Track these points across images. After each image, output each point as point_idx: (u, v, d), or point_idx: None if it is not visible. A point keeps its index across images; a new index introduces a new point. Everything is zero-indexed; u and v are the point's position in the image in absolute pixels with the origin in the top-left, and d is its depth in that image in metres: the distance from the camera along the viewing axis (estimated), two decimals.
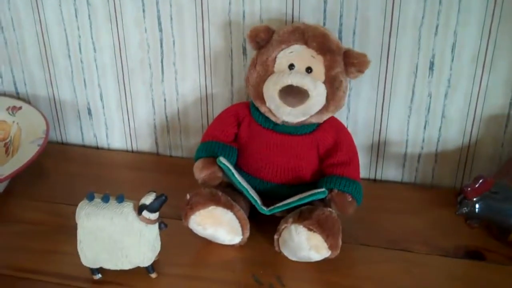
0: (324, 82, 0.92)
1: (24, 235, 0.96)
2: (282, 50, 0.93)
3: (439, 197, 1.05)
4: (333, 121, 0.97)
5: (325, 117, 0.94)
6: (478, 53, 0.98)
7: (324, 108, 0.92)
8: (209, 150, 0.97)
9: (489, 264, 0.90)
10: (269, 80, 0.92)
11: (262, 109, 0.94)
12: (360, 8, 0.99)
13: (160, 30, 1.09)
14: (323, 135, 0.95)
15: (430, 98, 1.03)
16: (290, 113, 0.91)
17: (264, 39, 0.95)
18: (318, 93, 0.90)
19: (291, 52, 0.93)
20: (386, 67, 1.02)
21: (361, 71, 0.94)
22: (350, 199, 0.92)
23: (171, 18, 1.07)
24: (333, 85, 0.92)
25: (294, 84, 0.89)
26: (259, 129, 0.96)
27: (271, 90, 0.91)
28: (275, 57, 0.93)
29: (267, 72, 0.93)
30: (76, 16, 1.12)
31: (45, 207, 1.03)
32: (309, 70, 0.92)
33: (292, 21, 1.03)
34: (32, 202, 1.04)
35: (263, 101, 0.93)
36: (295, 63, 0.92)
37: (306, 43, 0.92)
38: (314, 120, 0.94)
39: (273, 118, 0.94)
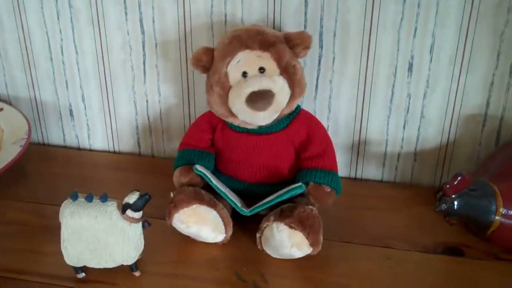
0: (280, 74, 0.92)
1: (6, 236, 0.95)
2: (228, 63, 0.93)
3: (419, 195, 1.07)
4: (304, 115, 0.98)
5: (294, 103, 0.95)
6: (455, 54, 1.00)
7: (291, 97, 0.93)
8: (186, 158, 0.98)
9: (468, 260, 0.91)
10: (230, 95, 0.92)
11: (236, 122, 0.95)
12: (340, 11, 1.01)
13: (143, 32, 1.10)
14: (297, 130, 0.96)
15: (409, 98, 1.05)
16: (264, 117, 0.91)
17: (208, 60, 0.95)
18: (280, 87, 0.91)
19: (238, 61, 0.93)
20: (366, 68, 1.04)
21: (307, 47, 0.94)
22: (329, 190, 0.93)
23: (153, 21, 1.08)
24: (289, 73, 0.92)
25: (256, 89, 0.89)
26: (232, 134, 0.97)
27: (237, 104, 0.91)
28: (226, 72, 0.93)
29: (225, 89, 0.93)
30: (58, 19, 1.12)
31: (27, 208, 1.02)
32: (262, 70, 0.92)
33: (273, 24, 1.04)
34: (14, 202, 1.04)
35: (234, 116, 0.93)
36: (247, 69, 0.92)
37: (247, 47, 0.92)
38: (287, 111, 0.94)
39: (250, 127, 0.95)
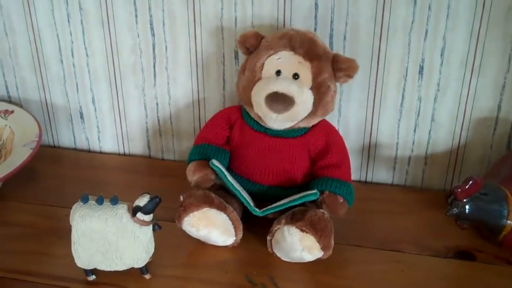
0: (311, 88, 0.92)
1: (16, 238, 0.96)
2: (269, 56, 0.94)
3: (429, 198, 1.06)
4: (324, 124, 0.98)
5: (313, 121, 0.95)
6: (466, 57, 1.00)
7: (312, 113, 0.93)
8: (201, 153, 0.98)
9: (479, 264, 0.91)
10: (256, 86, 0.93)
11: (252, 114, 0.95)
12: (351, 14, 1.00)
13: (153, 35, 1.10)
14: (314, 137, 0.96)
15: (420, 101, 1.05)
16: (276, 120, 0.91)
17: (253, 45, 0.96)
18: (303, 100, 0.91)
19: (279, 58, 0.93)
20: (376, 71, 1.04)
21: (349, 76, 0.95)
22: (342, 201, 0.93)
23: (163, 23, 1.08)
24: (320, 91, 0.92)
25: (280, 91, 0.89)
26: (251, 132, 0.97)
27: (257, 97, 0.91)
28: (263, 63, 0.94)
29: (255, 77, 0.94)
30: (69, 21, 1.12)
31: (37, 210, 1.03)
32: (296, 76, 0.92)
33: (284, 27, 1.04)
34: (25, 204, 1.04)
35: (252, 106, 0.94)
36: (282, 69, 0.93)
37: (293, 49, 0.93)
38: (303, 125, 0.94)
39: (262, 123, 0.95)
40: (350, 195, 0.94)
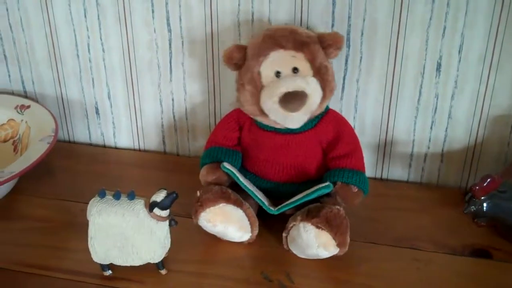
0: (314, 75, 0.92)
1: (33, 232, 0.96)
2: (262, 62, 0.93)
3: (445, 196, 1.06)
4: (332, 114, 0.98)
5: (324, 104, 0.94)
6: (485, 54, 0.99)
7: (323, 98, 0.93)
8: (212, 156, 0.98)
9: (496, 262, 0.90)
10: (263, 95, 0.92)
11: (266, 122, 0.95)
12: (368, 10, 1.00)
13: (169, 30, 1.10)
14: (324, 129, 0.96)
15: (437, 98, 1.04)
16: (296, 117, 0.91)
17: (240, 58, 0.95)
18: (313, 89, 0.91)
19: (272, 60, 0.92)
20: (393, 67, 1.03)
21: (338, 48, 0.94)
22: (356, 190, 0.92)
23: (180, 19, 1.08)
24: (321, 74, 0.92)
25: (290, 89, 0.89)
26: (260, 132, 0.97)
27: (269, 104, 0.90)
28: (259, 71, 0.93)
29: (257, 87, 0.92)
30: (85, 16, 1.12)
31: (53, 205, 1.03)
32: (295, 70, 0.92)
33: (301, 23, 1.03)
34: (41, 199, 1.05)
35: (265, 115, 0.93)
36: (280, 69, 0.92)
37: (281, 46, 0.92)
38: (318, 112, 0.94)
39: (279, 126, 0.94)
40: (364, 184, 0.94)
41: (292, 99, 0.89)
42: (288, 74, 0.92)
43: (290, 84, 0.89)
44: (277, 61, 0.92)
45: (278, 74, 0.92)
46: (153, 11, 1.09)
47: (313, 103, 0.91)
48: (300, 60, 0.92)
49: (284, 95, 0.89)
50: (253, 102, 0.93)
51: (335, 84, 0.95)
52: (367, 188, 0.94)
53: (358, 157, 0.96)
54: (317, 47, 0.93)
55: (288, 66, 0.92)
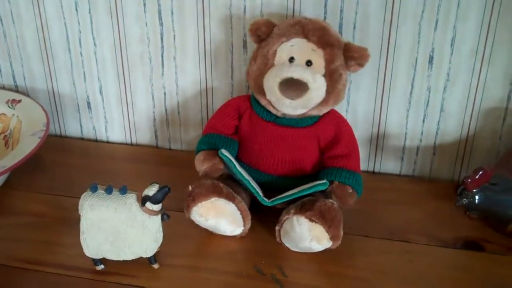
0: (324, 75, 0.92)
1: (25, 227, 0.96)
2: (282, 43, 0.93)
3: (437, 189, 1.06)
4: (333, 114, 0.97)
5: (325, 110, 0.95)
6: (477, 47, 0.99)
7: (324, 101, 0.93)
8: (210, 142, 0.97)
9: (488, 255, 0.91)
10: (269, 72, 0.92)
11: (263, 102, 0.95)
12: (360, 3, 1.00)
13: (161, 24, 1.09)
14: (324, 127, 0.96)
15: (429, 91, 1.04)
16: (289, 106, 0.91)
17: (265, 33, 0.95)
18: (317, 86, 0.91)
19: (292, 45, 0.93)
20: (386, 60, 1.03)
21: (361, 64, 0.94)
22: (351, 191, 0.92)
23: (172, 12, 1.08)
24: (332, 78, 0.92)
25: (294, 77, 0.89)
26: (260, 122, 0.96)
27: (271, 83, 0.91)
28: (276, 50, 0.93)
29: (267, 65, 0.93)
30: (77, 10, 1.12)
31: (45, 199, 1.03)
32: (309, 63, 0.92)
33: (293, 15, 1.03)
34: (33, 194, 1.04)
35: (263, 93, 0.93)
36: (295, 56, 0.92)
37: (306, 36, 0.93)
38: (314, 113, 0.94)
39: (273, 111, 0.94)
40: (359, 186, 0.94)
41: (293, 86, 0.89)
42: (301, 64, 0.92)
43: (298, 72, 0.89)
44: (296, 48, 0.93)
45: (291, 59, 0.92)
46: (144, 5, 1.08)
47: (311, 100, 0.91)
48: (317, 56, 0.92)
49: (287, 80, 0.89)
50: (258, 77, 0.94)
51: (344, 96, 0.95)
52: (361, 190, 0.94)
53: (355, 159, 0.96)
54: (340, 53, 0.93)
55: (304, 56, 0.92)
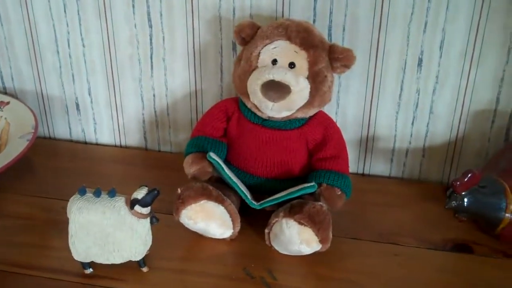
0: (307, 77, 0.92)
1: (13, 230, 0.95)
2: (265, 45, 0.93)
3: (427, 191, 1.07)
4: (321, 116, 0.97)
5: (311, 112, 0.94)
6: (466, 49, 1.00)
7: (309, 103, 0.92)
8: (198, 145, 0.97)
9: (477, 257, 0.91)
10: (252, 75, 0.92)
11: (248, 105, 0.95)
12: (349, 5, 1.00)
13: (150, 26, 1.09)
14: (312, 130, 0.95)
15: (419, 94, 1.04)
16: (272, 108, 0.91)
17: (249, 35, 0.96)
18: (300, 88, 0.90)
19: (275, 47, 0.93)
20: (375, 63, 1.03)
21: (347, 66, 0.94)
22: (339, 193, 0.92)
23: (161, 14, 1.07)
24: (316, 80, 0.92)
25: (276, 79, 0.89)
26: (248, 124, 0.96)
27: (253, 85, 0.91)
28: (259, 53, 0.93)
29: (250, 67, 0.93)
30: (65, 12, 1.11)
31: (34, 202, 1.02)
32: (292, 65, 0.92)
33: (283, 17, 1.03)
34: (21, 196, 1.03)
35: (248, 96, 0.93)
36: (278, 58, 0.92)
37: (289, 38, 0.92)
38: (300, 115, 0.94)
39: (259, 113, 0.94)
40: (348, 188, 0.94)
41: (274, 88, 0.89)
42: (283, 66, 0.91)
43: (280, 74, 0.89)
44: (279, 50, 0.92)
45: (274, 62, 0.92)
46: (133, 6, 1.08)
47: (294, 102, 0.91)
48: (300, 58, 0.92)
49: (269, 82, 0.89)
50: (242, 79, 0.93)
51: (330, 98, 0.95)
52: (349, 192, 0.94)
53: (344, 161, 0.96)
54: (324, 55, 0.93)
55: (287, 58, 0.92)
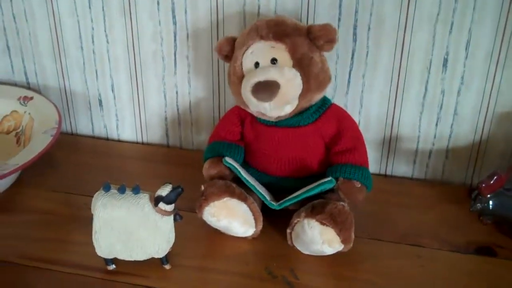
0: (294, 66, 0.91)
1: (36, 225, 0.96)
2: (243, 52, 0.93)
3: (450, 193, 1.06)
4: (335, 109, 0.97)
5: (314, 97, 0.93)
6: (492, 51, 0.98)
7: (306, 90, 0.91)
8: (215, 150, 0.98)
9: (501, 260, 0.90)
10: (242, 85, 0.92)
11: (255, 114, 0.95)
12: (375, 4, 0.99)
13: (174, 23, 1.09)
14: (326, 124, 0.95)
15: (443, 94, 1.04)
16: (271, 108, 0.90)
17: (229, 50, 0.96)
18: (287, 79, 0.89)
19: (252, 51, 0.92)
20: (400, 62, 1.03)
21: (331, 40, 0.92)
22: (359, 185, 0.91)
23: (186, 11, 1.07)
24: (303, 65, 0.91)
25: (261, 79, 0.88)
26: (261, 127, 0.96)
27: (245, 94, 0.90)
28: (241, 62, 0.93)
29: (239, 78, 0.93)
30: (90, 8, 1.12)
31: (56, 197, 1.03)
32: (274, 61, 0.91)
33: (307, 16, 1.02)
34: (44, 192, 1.04)
35: (248, 107, 0.94)
36: (259, 59, 0.91)
37: (262, 37, 0.92)
38: (305, 104, 0.93)
39: (267, 118, 0.94)
40: (367, 180, 0.93)
41: (262, 89, 0.88)
42: (266, 65, 0.91)
43: (262, 75, 0.88)
44: (257, 52, 0.92)
45: (257, 65, 0.92)
46: (158, 3, 1.08)
47: (288, 94, 0.90)
48: (279, 51, 0.91)
49: (256, 85, 0.88)
50: (237, 92, 0.93)
51: (328, 77, 0.94)
52: (370, 184, 0.93)
53: (361, 152, 0.94)
54: (301, 39, 0.91)
55: (267, 57, 0.91)
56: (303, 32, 0.92)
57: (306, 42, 0.92)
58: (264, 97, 0.88)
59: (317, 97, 0.94)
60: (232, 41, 0.96)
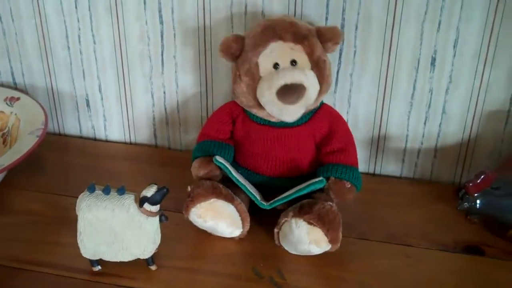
0: (311, 68, 0.91)
1: (22, 226, 0.95)
2: (260, 53, 0.92)
3: (438, 192, 1.06)
4: (327, 109, 0.97)
5: (320, 99, 0.94)
6: (480, 49, 0.98)
7: (320, 92, 0.92)
8: (205, 149, 0.97)
9: (488, 259, 0.90)
10: (260, 86, 0.91)
11: (261, 114, 0.94)
12: (363, 3, 0.99)
13: (161, 22, 1.08)
14: (318, 124, 0.95)
15: (431, 93, 1.03)
16: (293, 111, 0.90)
17: (238, 48, 0.93)
18: (311, 82, 0.90)
19: (271, 51, 0.91)
20: (387, 62, 1.02)
21: (337, 43, 0.94)
22: (349, 186, 0.92)
23: (172, 11, 1.07)
24: (319, 67, 0.91)
25: (288, 82, 0.88)
26: (254, 125, 0.96)
27: (267, 96, 0.89)
28: (257, 62, 0.92)
29: (254, 79, 0.92)
30: (76, 7, 1.11)
31: (43, 198, 1.02)
32: (293, 63, 0.91)
33: (295, 15, 1.02)
34: (30, 193, 1.03)
35: (260, 107, 0.92)
36: (279, 61, 0.91)
37: (280, 38, 0.91)
38: (313, 107, 0.94)
39: (273, 120, 0.94)
40: (357, 180, 0.93)
41: (290, 92, 0.88)
42: (286, 67, 0.91)
43: (289, 77, 0.88)
44: (276, 52, 0.91)
45: (276, 66, 0.91)
46: (145, 3, 1.07)
47: (311, 97, 0.90)
48: (298, 53, 0.91)
49: (282, 88, 0.88)
50: (249, 93, 0.92)
51: (331, 80, 0.95)
52: (360, 184, 0.94)
53: (351, 153, 0.95)
54: (316, 40, 0.92)
55: (286, 58, 0.91)
56: (314, 33, 0.93)
57: (319, 44, 0.92)
58: (292, 100, 0.88)
59: (321, 99, 0.95)
60: (240, 40, 0.93)
